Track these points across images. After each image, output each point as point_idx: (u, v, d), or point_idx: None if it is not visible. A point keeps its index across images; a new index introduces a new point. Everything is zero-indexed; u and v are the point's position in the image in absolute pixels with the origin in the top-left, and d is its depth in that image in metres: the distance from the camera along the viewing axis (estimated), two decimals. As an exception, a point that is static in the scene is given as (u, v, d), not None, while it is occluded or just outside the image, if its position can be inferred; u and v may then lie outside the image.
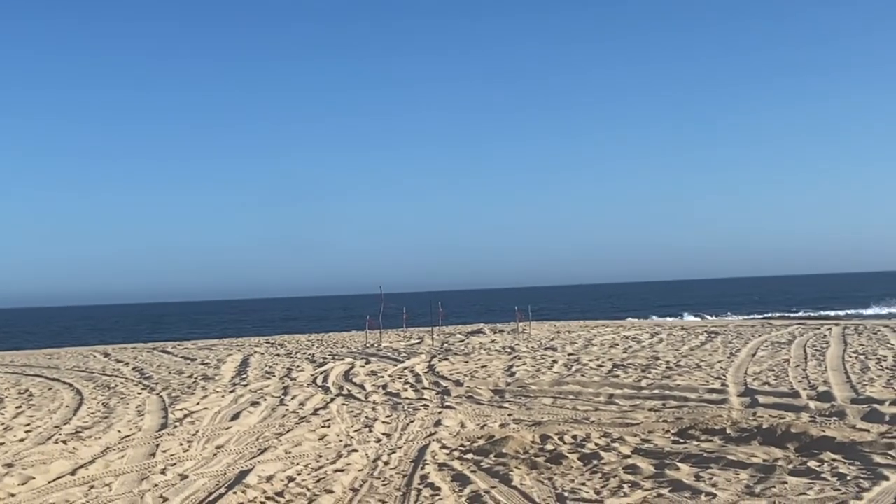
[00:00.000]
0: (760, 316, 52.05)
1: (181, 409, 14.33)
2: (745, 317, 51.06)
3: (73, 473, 9.82)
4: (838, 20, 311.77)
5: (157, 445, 11.34)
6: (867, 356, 18.52)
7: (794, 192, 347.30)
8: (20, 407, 15.37)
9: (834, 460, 9.24)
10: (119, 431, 12.51)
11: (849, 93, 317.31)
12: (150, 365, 22.63)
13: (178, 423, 13.03)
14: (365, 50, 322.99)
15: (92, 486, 9.27)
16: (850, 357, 18.44)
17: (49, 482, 9.49)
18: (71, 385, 18.43)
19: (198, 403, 14.97)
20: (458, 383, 16.50)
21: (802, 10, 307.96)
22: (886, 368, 16.55)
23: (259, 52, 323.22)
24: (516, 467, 9.62)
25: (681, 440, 10.82)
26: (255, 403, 14.74)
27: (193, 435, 12.06)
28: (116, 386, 18.07)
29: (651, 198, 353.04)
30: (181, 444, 11.40)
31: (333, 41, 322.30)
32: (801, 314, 54.80)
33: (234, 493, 8.75)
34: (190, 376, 19.38)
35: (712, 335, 25.65)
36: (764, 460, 9.36)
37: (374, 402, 14.63)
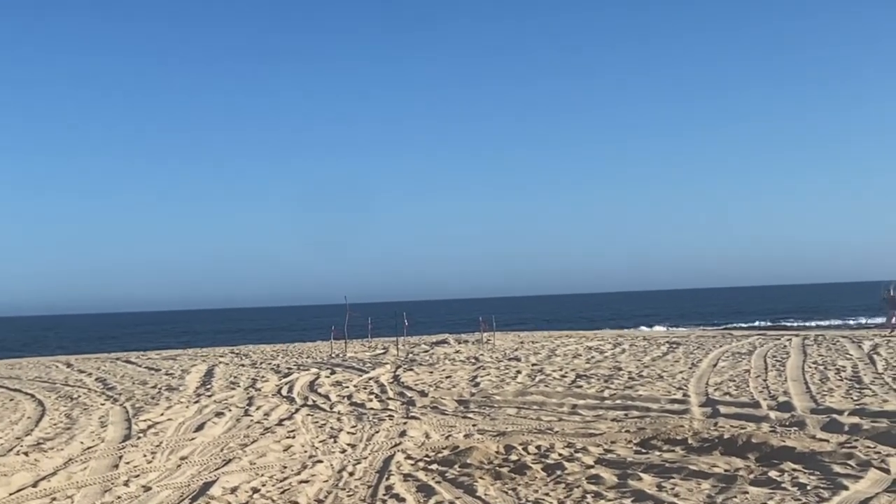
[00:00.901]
0: (722, 326, 52.44)
1: (145, 420, 14.27)
2: (707, 327, 51.43)
3: (34, 485, 9.76)
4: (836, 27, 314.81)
5: (121, 457, 11.29)
6: (826, 366, 18.75)
7: (760, 203, 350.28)
8: (-19, 418, 15.24)
9: (794, 470, 9.35)
10: (82, 443, 12.44)
11: (832, 102, 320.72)
12: (114, 375, 22.48)
13: (141, 435, 12.97)
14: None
15: (54, 499, 9.22)
16: (810, 367, 18.67)
17: (10, 494, 9.42)
18: (33, 396, 18.29)
19: (162, 414, 14.91)
20: (422, 394, 16.54)
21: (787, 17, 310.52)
22: (845, 379, 16.77)
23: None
24: (481, 478, 9.67)
25: (643, 450, 10.91)
26: (219, 414, 14.70)
27: (157, 446, 12.01)
28: (79, 397, 17.94)
29: (617, 210, 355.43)
30: (145, 456, 11.35)
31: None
32: (762, 324, 55.32)
33: (199, 504, 8.74)
34: (154, 387, 19.27)
35: (674, 346, 25.84)
36: (725, 470, 9.47)
37: (339, 413, 14.64)
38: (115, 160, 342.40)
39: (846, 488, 8.42)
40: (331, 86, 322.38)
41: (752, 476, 9.20)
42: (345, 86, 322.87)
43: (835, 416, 12.42)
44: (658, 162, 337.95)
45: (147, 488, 9.56)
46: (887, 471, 9.00)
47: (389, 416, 14.18)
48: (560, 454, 10.70)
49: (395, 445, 11.65)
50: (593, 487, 9.03)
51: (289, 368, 22.35)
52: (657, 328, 53.40)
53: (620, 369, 19.49)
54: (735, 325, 57.05)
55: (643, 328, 52.50)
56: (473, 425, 13.11)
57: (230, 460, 10.88)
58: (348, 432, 12.77)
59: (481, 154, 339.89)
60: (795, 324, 56.80)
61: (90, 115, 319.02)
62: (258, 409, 15.27)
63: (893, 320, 29.62)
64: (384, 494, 9.05)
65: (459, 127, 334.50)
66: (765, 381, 16.80)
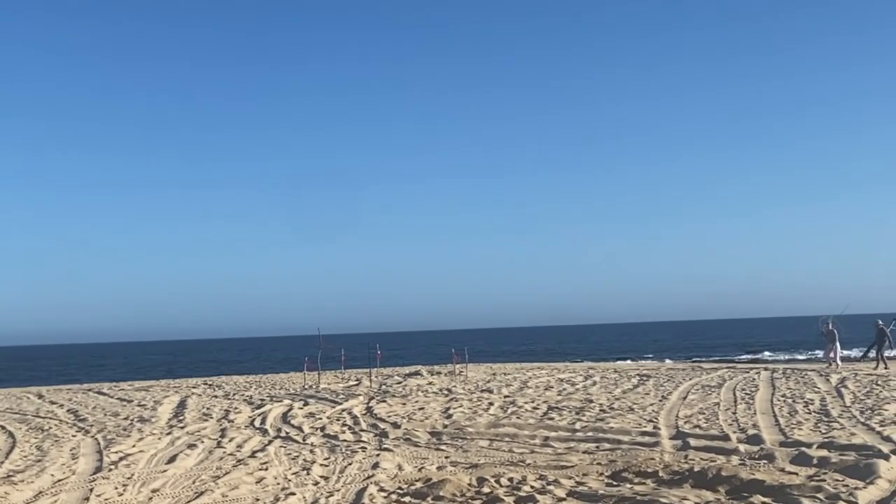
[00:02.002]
0: (691, 359, 52.64)
1: (116, 452, 14.20)
2: (676, 360, 51.65)
3: (6, 518, 9.73)
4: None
5: (91, 489, 11.23)
6: (795, 400, 18.92)
7: (725, 237, 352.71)
8: (-50, 450, 15.11)
9: (763, 503, 9.47)
10: (52, 475, 12.37)
11: (797, 133, 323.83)
12: (86, 406, 22.35)
13: (113, 467, 12.92)
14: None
15: (26, 531, 9.19)
16: (779, 400, 18.83)
17: (-18, 527, 9.38)
18: (3, 427, 18.17)
19: (133, 446, 14.85)
20: (395, 425, 16.57)
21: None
22: (813, 412, 16.93)
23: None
24: (453, 510, 9.71)
25: (614, 483, 10.98)
26: (192, 446, 14.66)
27: (129, 478, 11.96)
28: (50, 428, 17.83)
29: (586, 244, 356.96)
30: (116, 488, 11.30)
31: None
32: (730, 358, 55.56)
33: (172, 537, 8.73)
34: (126, 418, 19.18)
35: (644, 378, 25.98)
36: (696, 503, 9.56)
37: (312, 445, 14.64)
38: (82, 186, 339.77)
39: (813, 521, 8.53)
40: (311, 116, 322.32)
41: (721, 508, 9.29)
42: (323, 116, 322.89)
43: (803, 449, 12.54)
44: (628, 196, 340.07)
45: (119, 521, 9.53)
46: (854, 504, 9.13)
47: (362, 447, 14.20)
48: (532, 486, 10.76)
49: (368, 477, 11.67)
50: (565, 520, 9.09)
51: (262, 400, 22.30)
52: (627, 361, 53.56)
53: (592, 401, 19.59)
54: (704, 357, 57.26)
55: (619, 362, 52.66)
56: (446, 457, 13.15)
57: (202, 493, 10.86)
58: (321, 464, 12.77)
59: (455, 187, 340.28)
60: (769, 356, 57.12)
61: (50, 141, 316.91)
62: (231, 440, 15.24)
63: (832, 354, 29.95)
64: (357, 527, 9.07)
65: (439, 158, 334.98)
66: (734, 413, 16.94)
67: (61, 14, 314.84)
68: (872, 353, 30.93)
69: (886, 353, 29.92)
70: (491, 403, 19.66)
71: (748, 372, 27.51)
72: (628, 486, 10.75)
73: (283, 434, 16.00)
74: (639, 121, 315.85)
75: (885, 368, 27.80)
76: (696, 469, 11.23)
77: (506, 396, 21.28)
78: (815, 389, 20.99)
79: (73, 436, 16.55)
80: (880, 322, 30.40)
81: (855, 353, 39.63)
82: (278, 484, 11.44)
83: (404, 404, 20.12)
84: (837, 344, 29.93)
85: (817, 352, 49.55)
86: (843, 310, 32.17)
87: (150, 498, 10.70)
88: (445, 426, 16.32)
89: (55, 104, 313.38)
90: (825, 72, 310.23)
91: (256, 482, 11.57)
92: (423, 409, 19.18)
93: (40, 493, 11.14)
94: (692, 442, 13.67)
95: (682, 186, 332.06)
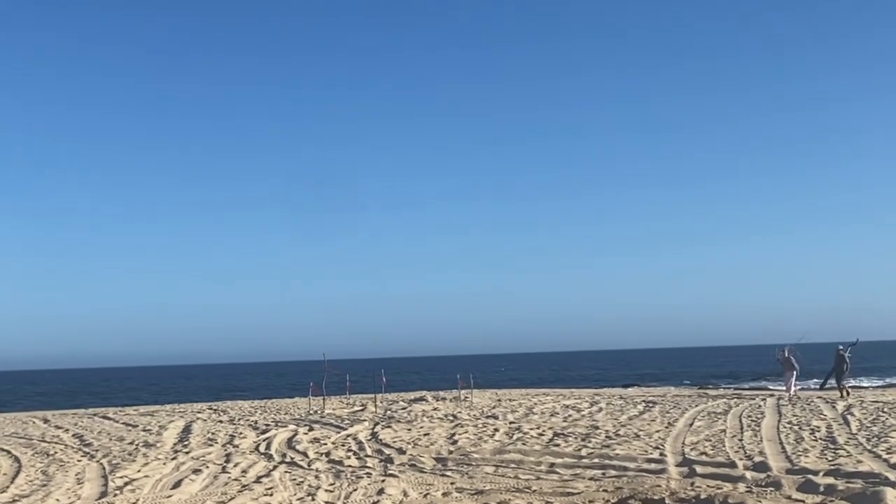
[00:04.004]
0: (697, 386, 52.52)
1: (121, 477, 14.22)
2: (682, 387, 51.52)
3: (11, 542, 9.75)
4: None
5: (98, 514, 11.27)
6: (801, 427, 18.89)
7: (724, 265, 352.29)
8: (-45, 474, 15.13)
9: (768, 530, 9.46)
10: (58, 500, 12.40)
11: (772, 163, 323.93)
12: (91, 431, 22.36)
13: (118, 492, 12.93)
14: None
15: (32, 555, 9.20)
16: (785, 427, 18.79)
17: (-13, 551, 9.40)
18: (9, 452, 18.18)
19: (139, 471, 14.86)
20: (400, 451, 16.56)
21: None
22: (820, 439, 16.90)
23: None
24: (459, 536, 9.71)
25: (620, 509, 10.99)
26: (197, 471, 14.67)
27: (133, 503, 11.98)
28: (56, 453, 17.84)
29: (592, 269, 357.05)
30: (122, 513, 11.33)
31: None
32: (736, 385, 55.41)
33: (177, 562, 8.74)
34: (131, 443, 19.19)
35: (650, 405, 25.92)
36: (700, 530, 9.56)
37: (316, 470, 14.63)
38: (89, 205, 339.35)
39: (819, 548, 8.52)
40: (300, 141, 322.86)
41: (727, 536, 9.29)
42: (308, 140, 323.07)
43: (810, 476, 12.51)
44: (637, 220, 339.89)
45: (125, 545, 9.55)
46: (860, 531, 9.12)
47: (367, 473, 14.19)
48: (538, 513, 10.76)
49: (374, 503, 11.68)
50: (570, 546, 9.09)
51: (267, 425, 22.29)
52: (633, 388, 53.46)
53: (597, 428, 19.56)
54: (710, 384, 57.12)
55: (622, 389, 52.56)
56: (451, 483, 13.14)
57: (208, 518, 10.87)
58: (326, 490, 12.77)
59: (459, 212, 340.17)
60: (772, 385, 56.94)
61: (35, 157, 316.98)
62: (236, 465, 15.25)
63: (792, 381, 29.86)
64: (362, 553, 9.07)
65: (443, 182, 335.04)
66: (740, 440, 16.91)
67: (72, 35, 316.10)
68: (832, 382, 30.80)
69: (842, 382, 29.79)
70: (496, 429, 19.64)
71: (754, 399, 27.44)
72: (634, 512, 10.75)
73: (287, 459, 16.00)
74: (645, 149, 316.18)
75: (847, 395, 27.66)
76: (702, 496, 11.22)
77: (511, 422, 21.26)
78: (822, 416, 20.94)
79: (79, 460, 16.56)
80: (840, 348, 30.29)
81: (812, 383, 39.57)
82: (284, 509, 11.45)
83: (409, 430, 20.11)
84: (795, 372, 29.90)
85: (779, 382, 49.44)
86: (801, 338, 32.04)
87: (156, 523, 10.71)
88: (451, 452, 16.31)
89: (70, 124, 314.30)
90: (797, 111, 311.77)
91: (262, 507, 11.58)
92: (428, 434, 19.17)
93: (46, 517, 11.17)
94: (698, 469, 13.64)
95: (687, 212, 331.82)
